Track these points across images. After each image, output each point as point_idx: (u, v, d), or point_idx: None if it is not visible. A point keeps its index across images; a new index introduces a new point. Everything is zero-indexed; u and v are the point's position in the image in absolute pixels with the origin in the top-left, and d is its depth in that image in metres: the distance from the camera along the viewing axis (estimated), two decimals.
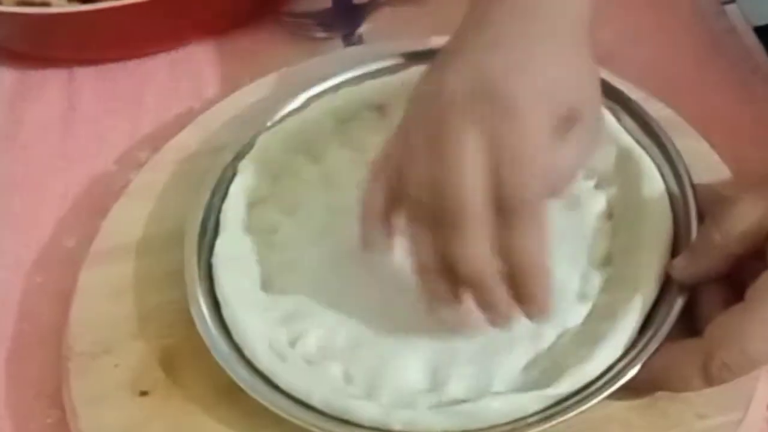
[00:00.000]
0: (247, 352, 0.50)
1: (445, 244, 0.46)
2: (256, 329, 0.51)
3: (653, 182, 0.54)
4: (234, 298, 0.52)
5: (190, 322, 0.52)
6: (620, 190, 0.56)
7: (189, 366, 0.52)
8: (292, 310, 0.54)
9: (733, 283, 0.48)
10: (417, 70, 0.60)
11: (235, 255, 0.55)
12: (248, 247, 0.56)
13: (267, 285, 0.55)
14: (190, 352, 0.52)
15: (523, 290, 0.47)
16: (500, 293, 0.47)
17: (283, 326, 0.53)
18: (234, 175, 0.58)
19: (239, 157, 0.58)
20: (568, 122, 0.48)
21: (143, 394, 0.51)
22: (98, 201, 0.62)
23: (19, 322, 0.58)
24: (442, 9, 0.72)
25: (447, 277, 0.47)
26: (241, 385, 0.49)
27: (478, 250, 0.46)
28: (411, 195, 0.47)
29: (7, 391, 0.55)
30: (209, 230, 0.56)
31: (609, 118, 0.57)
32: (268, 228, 0.57)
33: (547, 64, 0.47)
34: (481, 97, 0.46)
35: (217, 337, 0.51)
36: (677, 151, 0.55)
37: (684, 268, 0.50)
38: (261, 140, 0.59)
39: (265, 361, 0.50)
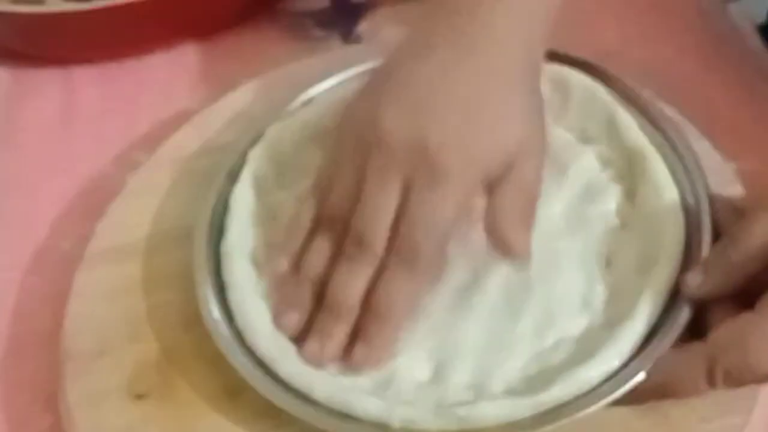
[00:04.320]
0: (248, 339, 0.50)
1: (334, 264, 0.51)
2: (262, 318, 0.51)
3: (667, 189, 0.54)
4: (241, 284, 0.52)
5: (187, 324, 0.52)
6: (632, 192, 0.55)
7: (186, 369, 0.52)
8: None
9: (744, 295, 0.47)
10: None
11: (244, 242, 0.55)
12: (257, 234, 0.56)
13: None
14: (187, 355, 0.52)
15: (365, 329, 0.50)
16: (341, 328, 0.50)
17: None
18: (243, 164, 0.57)
19: (249, 148, 0.58)
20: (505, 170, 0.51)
21: (139, 397, 0.51)
22: (95, 202, 0.62)
23: (15, 325, 0.58)
24: None
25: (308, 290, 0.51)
26: (236, 366, 0.49)
27: (351, 281, 0.50)
28: (326, 214, 0.52)
29: (2, 394, 0.55)
30: (218, 219, 0.55)
31: (629, 119, 0.56)
32: (276, 215, 0.57)
33: (482, 132, 0.50)
34: (413, 153, 0.50)
35: (220, 323, 0.51)
36: (696, 160, 0.55)
37: (698, 286, 0.49)
38: (271, 131, 0.59)
39: (267, 348, 0.50)
